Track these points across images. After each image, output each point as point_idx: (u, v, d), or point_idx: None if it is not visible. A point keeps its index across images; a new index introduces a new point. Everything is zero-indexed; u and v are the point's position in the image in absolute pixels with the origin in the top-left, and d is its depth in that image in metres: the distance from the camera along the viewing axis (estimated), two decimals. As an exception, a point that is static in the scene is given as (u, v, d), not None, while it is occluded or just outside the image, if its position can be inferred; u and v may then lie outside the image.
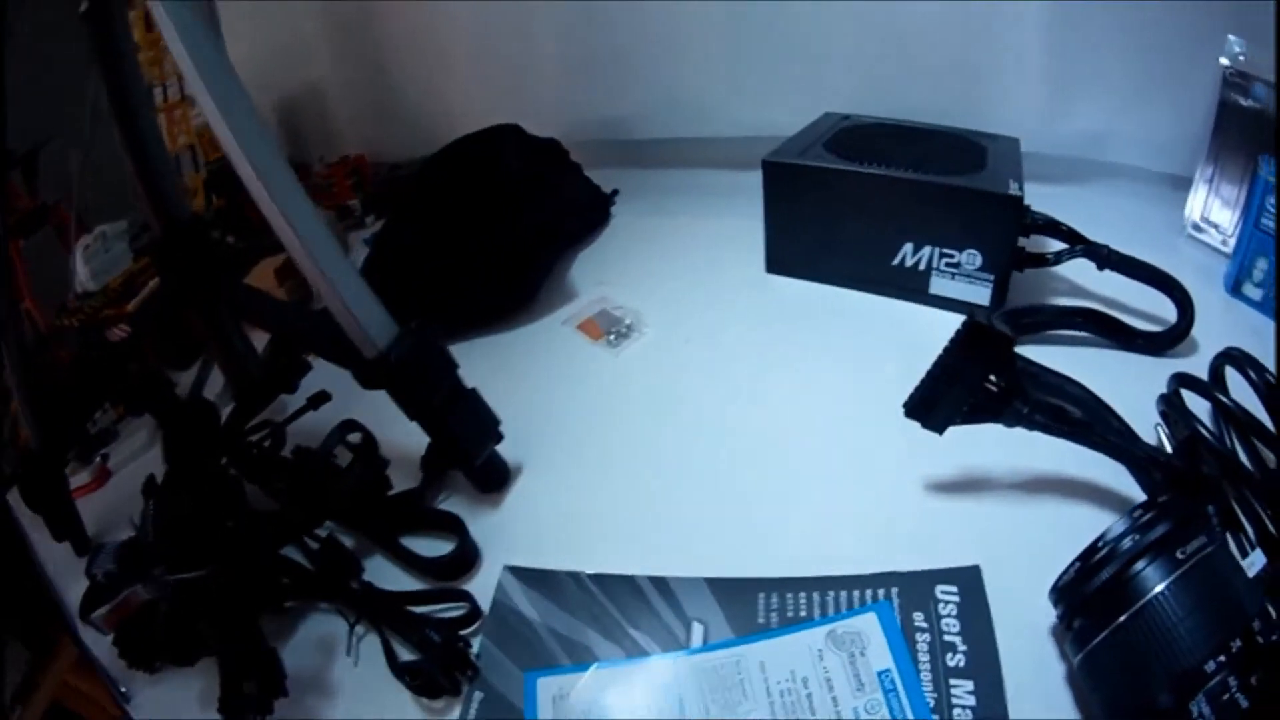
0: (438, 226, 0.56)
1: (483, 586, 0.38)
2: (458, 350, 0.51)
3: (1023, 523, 0.38)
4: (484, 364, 0.50)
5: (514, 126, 0.66)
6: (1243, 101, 0.65)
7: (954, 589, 0.34)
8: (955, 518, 0.39)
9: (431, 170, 0.61)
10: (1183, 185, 0.69)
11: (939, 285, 0.54)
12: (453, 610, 0.37)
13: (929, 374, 0.38)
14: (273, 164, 0.35)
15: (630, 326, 0.55)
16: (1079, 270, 0.54)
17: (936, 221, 0.53)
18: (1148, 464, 0.37)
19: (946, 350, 0.38)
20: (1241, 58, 0.66)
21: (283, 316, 0.51)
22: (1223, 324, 0.54)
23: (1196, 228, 0.68)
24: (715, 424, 0.46)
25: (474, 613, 0.37)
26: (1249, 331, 0.54)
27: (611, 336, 0.54)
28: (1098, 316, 0.51)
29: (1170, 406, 0.41)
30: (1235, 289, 0.58)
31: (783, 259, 0.61)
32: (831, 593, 0.35)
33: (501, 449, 0.43)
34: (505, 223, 0.58)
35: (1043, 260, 0.54)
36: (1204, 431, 0.37)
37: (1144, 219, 0.66)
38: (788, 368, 0.50)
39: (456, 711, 0.32)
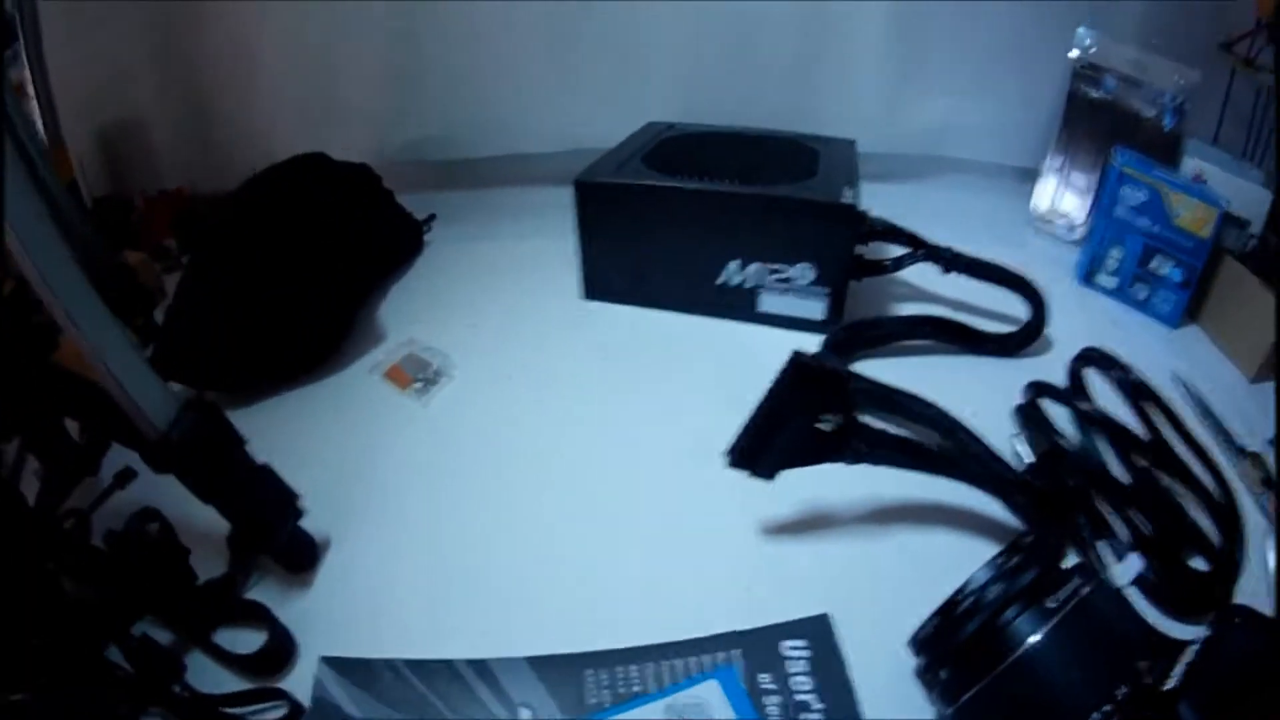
0: (240, 271, 0.51)
1: (303, 679, 0.35)
2: (262, 408, 0.49)
3: (875, 560, 0.37)
4: (289, 423, 0.48)
5: (318, 155, 0.62)
6: (1093, 93, 0.68)
7: (802, 643, 0.33)
8: (800, 562, 0.38)
9: (234, 207, 0.55)
10: (1028, 178, 0.70)
11: (769, 302, 0.53)
12: (274, 710, 0.35)
13: (753, 418, 0.36)
14: (34, 226, 0.31)
15: (438, 372, 0.51)
16: (923, 274, 0.53)
17: (763, 235, 0.51)
18: (1009, 488, 0.36)
19: (771, 392, 0.36)
20: (1093, 50, 0.68)
21: (78, 397, 0.46)
22: (1078, 316, 0.54)
23: (1044, 220, 0.70)
24: (532, 477, 0.43)
25: (294, 712, 0.34)
26: (1107, 322, 0.56)
27: (419, 384, 0.50)
28: (943, 323, 0.51)
29: (1027, 418, 0.41)
30: (1088, 278, 0.60)
31: (600, 284, 0.58)
32: (667, 662, 0.33)
33: (308, 521, 0.40)
34: (311, 264, 0.53)
35: (882, 267, 0.53)
36: (1064, 443, 0.37)
37: (990, 213, 0.68)
38: (609, 407, 0.48)
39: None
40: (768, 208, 0.49)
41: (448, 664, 0.34)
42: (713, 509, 0.40)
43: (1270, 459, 0.38)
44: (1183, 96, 0.66)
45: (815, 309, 0.52)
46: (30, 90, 0.63)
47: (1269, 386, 0.45)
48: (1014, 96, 0.71)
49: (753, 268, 0.52)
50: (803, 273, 0.51)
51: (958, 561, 0.29)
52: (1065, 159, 0.69)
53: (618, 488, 0.42)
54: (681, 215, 0.52)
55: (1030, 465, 0.39)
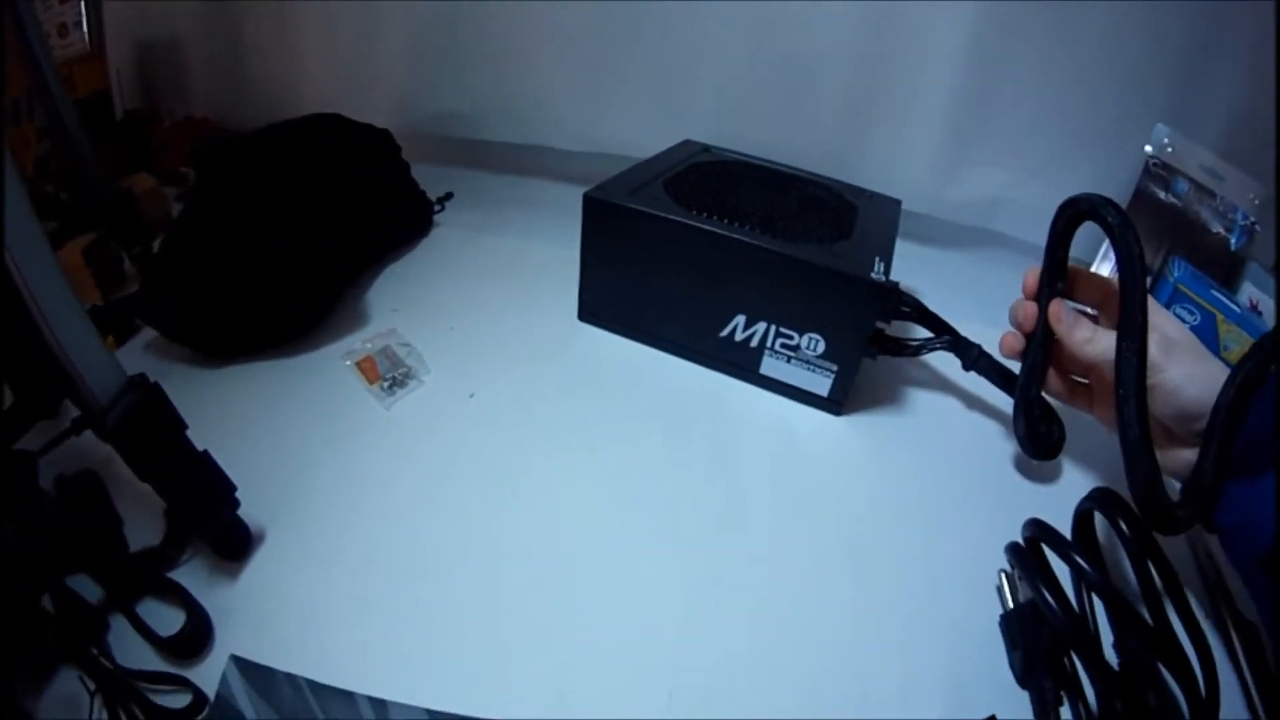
0: (233, 226, 0.49)
1: (214, 671, 0.35)
2: (231, 374, 0.48)
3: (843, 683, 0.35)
4: (253, 397, 0.47)
5: (337, 116, 0.60)
6: (1161, 195, 0.65)
7: None
8: (735, 671, 0.35)
9: (240, 155, 0.53)
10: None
11: (772, 367, 0.50)
12: (179, 697, 0.34)
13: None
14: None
15: (407, 373, 0.49)
16: (947, 360, 0.51)
17: (775, 296, 0.48)
18: None
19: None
20: (1169, 149, 0.65)
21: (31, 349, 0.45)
22: (1102, 436, 0.48)
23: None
24: (478, 512, 0.41)
25: (197, 705, 0.34)
26: None
27: (386, 383, 0.48)
28: None
29: (1020, 558, 0.38)
30: None
31: (597, 309, 0.55)
32: None
33: (249, 507, 0.39)
34: (309, 230, 0.52)
35: (903, 349, 0.51)
36: (1049, 598, 0.34)
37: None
38: (578, 447, 0.46)
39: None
40: (785, 267, 0.46)
41: (349, 694, 0.34)
42: (663, 589, 0.38)
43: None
44: (1255, 216, 0.64)
45: (820, 384, 0.49)
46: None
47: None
48: (1077, 182, 0.67)
49: (759, 327, 0.49)
50: (812, 344, 0.48)
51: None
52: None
53: (562, 542, 0.40)
54: (692, 255, 0.48)
55: (1005, 614, 0.38)
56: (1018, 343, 0.46)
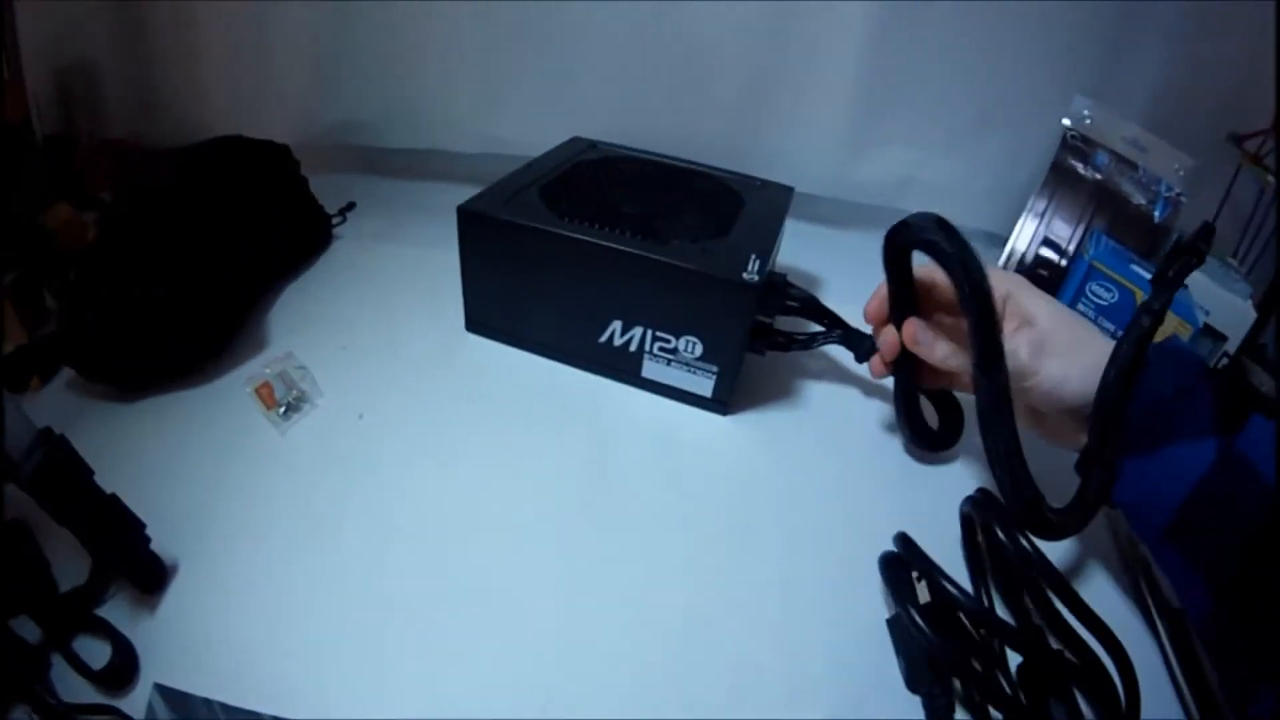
0: (136, 260, 0.50)
1: (141, 699, 0.37)
2: (143, 408, 0.50)
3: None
4: (162, 430, 0.48)
5: (237, 138, 0.61)
6: (1080, 168, 0.64)
7: None
8: (615, 681, 0.36)
9: (142, 187, 0.54)
10: (998, 245, 0.66)
11: (653, 370, 0.50)
12: None
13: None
14: None
15: (301, 397, 0.50)
16: (841, 352, 0.51)
17: (648, 301, 0.48)
18: None
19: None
20: (1088, 121, 0.64)
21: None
22: None
23: None
24: (372, 528, 0.43)
25: None
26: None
27: (282, 409, 0.49)
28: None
29: (885, 576, 0.38)
30: None
31: (481, 319, 0.55)
32: None
33: (165, 541, 0.41)
34: (211, 259, 0.53)
35: (790, 343, 0.50)
36: (917, 621, 0.34)
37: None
38: (461, 458, 0.46)
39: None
40: (654, 271, 0.46)
41: (256, 716, 0.36)
42: (542, 592, 0.39)
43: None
44: (1179, 188, 0.62)
45: (703, 385, 0.49)
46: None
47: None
48: (990, 158, 0.66)
49: (636, 331, 0.49)
50: (689, 346, 0.48)
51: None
52: (1039, 230, 0.65)
53: (446, 551, 0.41)
54: (564, 263, 0.49)
55: (888, 619, 0.38)
56: (883, 368, 0.46)
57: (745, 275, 0.45)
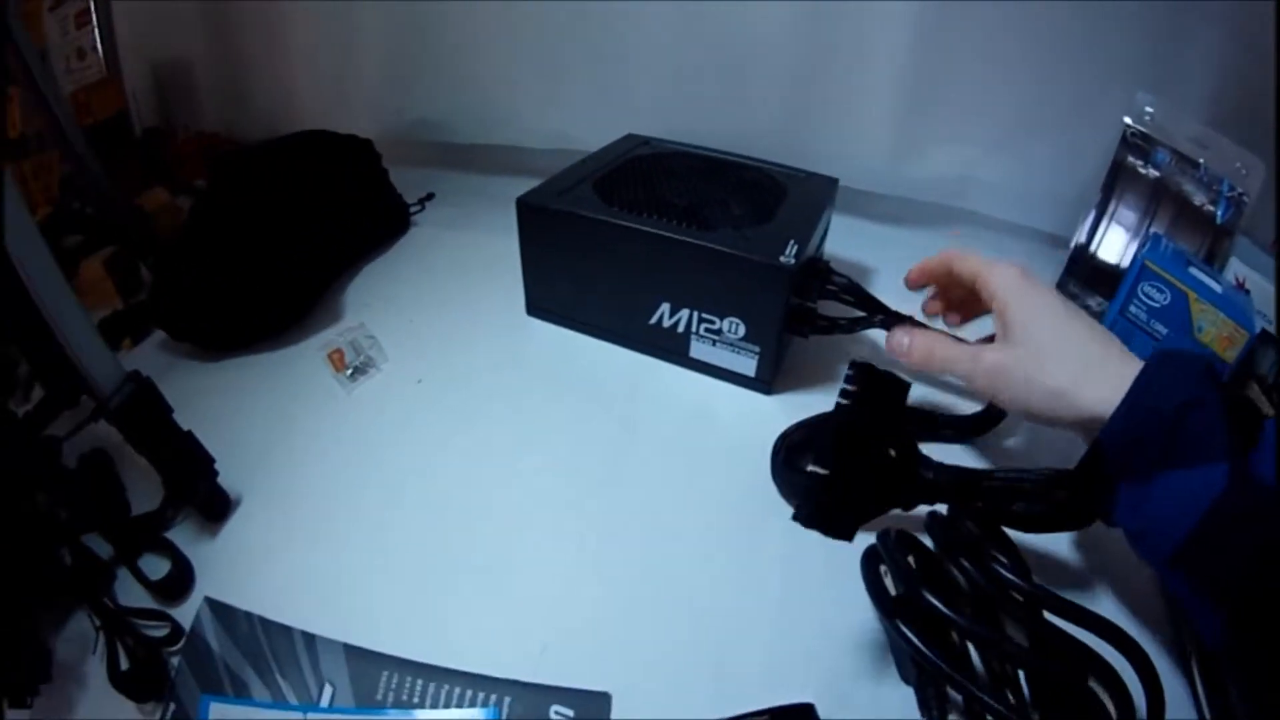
0: (227, 238, 0.57)
1: (192, 610, 0.42)
2: (224, 367, 0.56)
3: (687, 649, 0.38)
4: (240, 386, 0.54)
5: (322, 131, 0.67)
6: (1140, 167, 0.63)
7: (571, 713, 0.36)
8: (611, 634, 0.39)
9: (234, 174, 0.61)
10: (1062, 245, 0.66)
11: (699, 350, 0.53)
12: (162, 629, 0.42)
13: (819, 463, 0.34)
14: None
15: (368, 361, 0.55)
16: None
17: (693, 284, 0.51)
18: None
19: (841, 420, 0.34)
20: (1149, 118, 0.63)
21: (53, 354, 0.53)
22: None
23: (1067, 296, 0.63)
24: (417, 479, 0.47)
25: (174, 636, 0.42)
26: None
27: (350, 371, 0.54)
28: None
29: (868, 588, 0.35)
30: None
31: (541, 303, 0.59)
32: (448, 686, 0.37)
33: (228, 479, 0.46)
34: (294, 241, 0.59)
35: (834, 326, 0.52)
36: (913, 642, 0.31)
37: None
38: (504, 422, 0.50)
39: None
40: (698, 256, 0.48)
41: (288, 629, 0.40)
42: (560, 551, 0.43)
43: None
44: (1242, 188, 0.61)
45: (746, 365, 0.52)
46: (93, 19, 0.70)
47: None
48: (1047, 157, 0.66)
49: (683, 313, 0.52)
50: (733, 327, 0.51)
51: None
52: (1100, 231, 0.65)
53: (475, 504, 0.45)
54: (615, 250, 0.52)
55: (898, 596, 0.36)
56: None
57: (782, 259, 0.47)
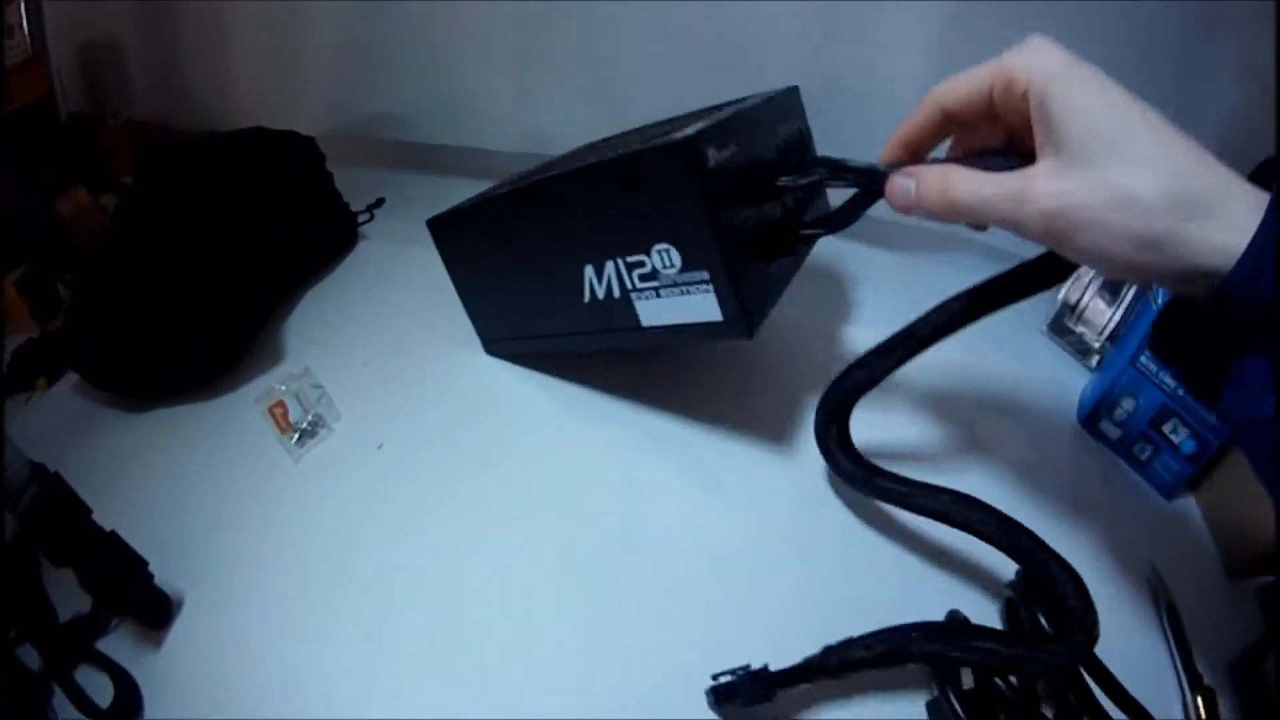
0: (148, 264, 0.50)
1: None
2: (151, 419, 0.50)
3: None
4: (171, 447, 0.48)
5: (259, 130, 0.60)
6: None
7: None
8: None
9: (160, 180, 0.54)
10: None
11: (648, 312, 0.40)
12: None
13: None
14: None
15: (317, 421, 0.47)
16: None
17: (601, 225, 0.39)
18: None
19: None
20: None
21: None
22: (1065, 463, 0.46)
23: (1058, 328, 0.54)
24: (380, 569, 0.41)
25: None
26: (1096, 478, 0.45)
27: (295, 434, 0.47)
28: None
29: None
30: (1089, 420, 0.48)
31: (491, 336, 0.53)
32: None
33: (171, 569, 0.41)
34: (226, 263, 0.52)
35: (799, 240, 0.39)
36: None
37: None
38: (499, 503, 0.44)
39: None
40: (589, 186, 0.38)
41: None
42: (564, 642, 0.37)
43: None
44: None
45: (707, 307, 0.38)
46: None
47: (1243, 587, 0.40)
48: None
49: (609, 269, 0.40)
50: (664, 258, 0.37)
51: None
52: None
53: (470, 603, 0.39)
54: (516, 228, 0.44)
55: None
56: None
57: (679, 135, 0.34)
